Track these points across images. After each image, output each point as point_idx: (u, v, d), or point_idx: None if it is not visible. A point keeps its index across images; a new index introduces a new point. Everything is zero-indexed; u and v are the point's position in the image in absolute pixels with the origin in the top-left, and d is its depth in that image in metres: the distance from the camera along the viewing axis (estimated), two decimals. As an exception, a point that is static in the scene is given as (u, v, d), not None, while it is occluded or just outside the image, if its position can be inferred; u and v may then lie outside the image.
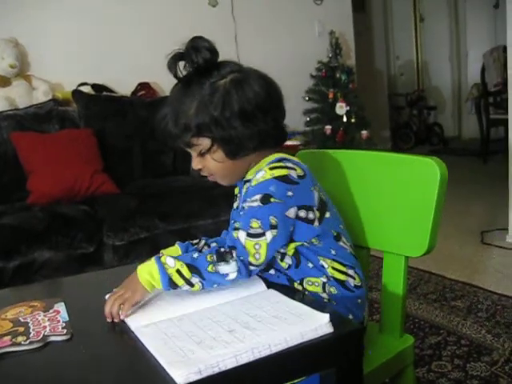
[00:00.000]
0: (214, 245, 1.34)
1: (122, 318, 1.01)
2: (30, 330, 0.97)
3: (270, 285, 1.12)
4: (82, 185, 2.82)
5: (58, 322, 1.01)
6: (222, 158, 1.16)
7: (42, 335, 0.95)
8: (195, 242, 1.34)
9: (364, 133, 4.58)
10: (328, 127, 4.52)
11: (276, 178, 1.10)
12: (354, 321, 1.16)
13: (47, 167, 2.80)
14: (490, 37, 6.86)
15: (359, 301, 1.20)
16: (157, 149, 3.35)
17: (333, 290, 1.16)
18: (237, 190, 1.33)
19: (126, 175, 3.21)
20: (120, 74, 3.71)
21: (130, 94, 3.70)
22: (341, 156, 1.40)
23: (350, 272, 1.19)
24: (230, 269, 1.04)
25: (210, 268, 1.03)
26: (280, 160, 1.15)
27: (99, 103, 3.32)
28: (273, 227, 1.08)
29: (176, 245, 1.31)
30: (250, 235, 1.06)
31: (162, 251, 1.30)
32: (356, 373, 0.93)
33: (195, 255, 1.05)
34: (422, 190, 1.20)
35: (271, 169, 1.12)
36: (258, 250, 1.06)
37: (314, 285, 1.17)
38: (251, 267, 1.06)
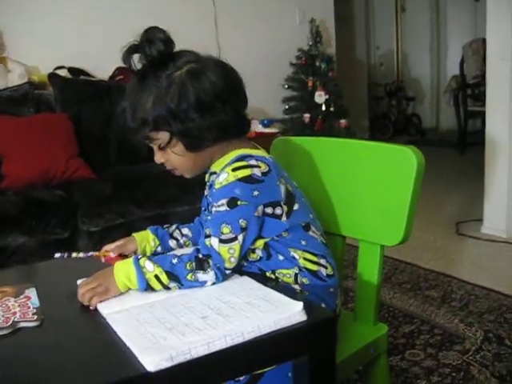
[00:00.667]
0: (186, 232, 1.33)
1: (91, 308, 1.00)
2: (0, 316, 0.96)
3: (242, 273, 1.12)
4: (57, 169, 2.78)
5: (29, 307, 1.00)
6: (183, 152, 1.14)
7: (11, 321, 0.94)
8: (166, 226, 1.33)
9: (342, 122, 4.59)
10: (307, 115, 4.52)
11: (240, 179, 1.08)
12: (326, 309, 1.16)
13: (22, 151, 2.75)
14: (470, 29, 6.90)
15: (331, 290, 1.19)
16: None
17: (305, 280, 1.16)
18: (206, 177, 1.31)
19: (102, 161, 3.17)
20: (98, 58, 3.65)
21: (107, 78, 3.65)
22: (316, 144, 1.39)
23: (322, 261, 1.18)
24: (208, 277, 1.04)
25: (189, 276, 1.03)
26: (242, 158, 1.11)
27: (76, 87, 3.27)
28: (243, 230, 1.07)
29: (147, 229, 1.31)
30: (222, 241, 1.06)
31: (133, 234, 1.29)
32: (329, 361, 0.93)
33: (174, 261, 1.04)
34: (399, 178, 1.20)
35: (234, 170, 1.09)
36: (232, 254, 1.06)
37: (285, 276, 1.16)
38: (227, 271, 1.07)
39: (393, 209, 1.21)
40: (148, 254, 1.28)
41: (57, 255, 1.23)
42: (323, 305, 1.17)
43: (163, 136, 1.13)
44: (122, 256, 1.24)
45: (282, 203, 1.14)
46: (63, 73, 3.41)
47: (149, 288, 1.03)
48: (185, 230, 1.34)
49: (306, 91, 4.58)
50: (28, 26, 3.46)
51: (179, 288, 1.04)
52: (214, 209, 1.09)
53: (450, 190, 4.39)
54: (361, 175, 1.29)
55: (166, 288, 1.03)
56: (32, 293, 1.07)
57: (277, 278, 1.16)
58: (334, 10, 5.07)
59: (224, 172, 1.10)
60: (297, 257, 1.16)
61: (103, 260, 1.22)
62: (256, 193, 1.08)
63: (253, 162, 1.11)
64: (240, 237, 1.07)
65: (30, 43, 3.47)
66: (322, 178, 1.37)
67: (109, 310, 0.97)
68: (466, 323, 2.15)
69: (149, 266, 1.03)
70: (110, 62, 3.66)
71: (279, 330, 0.86)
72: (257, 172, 1.10)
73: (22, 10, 3.44)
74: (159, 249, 1.30)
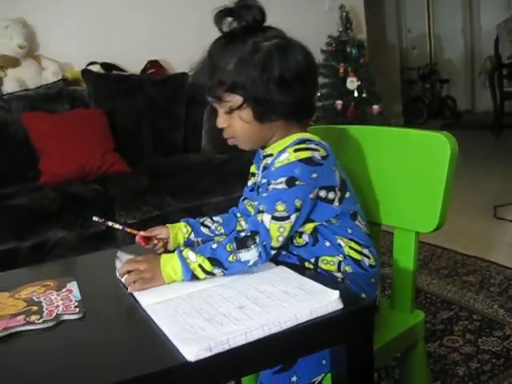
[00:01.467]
0: (217, 219, 1.36)
1: (128, 291, 1.03)
2: (44, 309, 0.98)
3: (279, 263, 1.12)
4: (93, 164, 2.83)
5: (71, 300, 1.02)
6: (250, 119, 1.14)
7: (55, 314, 0.96)
8: (201, 219, 1.35)
9: (375, 107, 4.55)
10: (339, 102, 4.49)
11: (300, 160, 1.09)
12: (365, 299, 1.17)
13: (58, 147, 2.81)
14: (503, 7, 6.73)
15: (372, 280, 1.20)
16: (167, 127, 3.35)
17: (348, 268, 1.16)
18: (253, 168, 1.33)
19: (137, 154, 3.22)
20: (129, 52, 3.70)
21: (139, 72, 3.69)
22: (351, 132, 1.39)
23: (365, 251, 1.18)
24: (250, 255, 1.05)
25: (230, 258, 1.04)
26: (303, 141, 1.13)
27: (109, 82, 3.32)
28: (297, 210, 1.08)
29: (181, 221, 1.34)
30: (275, 218, 1.06)
31: (167, 225, 1.32)
32: (366, 349, 0.93)
33: (214, 246, 1.06)
34: (433, 165, 1.18)
35: (295, 151, 1.10)
36: (281, 233, 1.07)
37: (329, 264, 1.16)
38: (272, 251, 1.07)
39: (427, 195, 1.20)
40: (181, 241, 1.31)
41: (95, 218, 1.31)
42: (363, 295, 1.16)
43: (235, 99, 1.12)
44: (149, 239, 1.30)
45: (336, 188, 1.15)
46: (96, 68, 3.46)
47: (194, 278, 1.04)
48: (216, 218, 1.37)
49: (338, 78, 4.54)
50: (60, 24, 3.52)
51: (224, 274, 1.05)
52: (271, 186, 1.10)
53: (487, 173, 4.31)
54: (394, 162, 1.28)
55: (211, 275, 1.04)
56: (73, 286, 1.10)
57: (318, 265, 1.17)
58: (364, -5, 5.01)
59: (285, 152, 1.12)
60: (343, 244, 1.16)
61: (134, 235, 1.29)
62: (314, 175, 1.10)
63: (313, 146, 1.12)
64: (293, 216, 1.07)
65: (62, 40, 3.53)
66: (355, 166, 1.36)
67: (148, 301, 0.98)
68: (505, 309, 2.12)
69: (191, 256, 1.05)
70: (142, 55, 3.72)
71: (316, 319, 0.87)
72: (317, 155, 1.11)
73: (53, 7, 3.50)
74: (192, 236, 1.33)
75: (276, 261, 1.13)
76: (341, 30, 4.60)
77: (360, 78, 4.49)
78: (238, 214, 1.37)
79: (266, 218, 1.07)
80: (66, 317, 0.96)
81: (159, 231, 1.30)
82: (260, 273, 1.07)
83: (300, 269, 1.11)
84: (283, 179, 1.08)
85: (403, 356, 1.35)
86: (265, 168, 1.21)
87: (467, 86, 7.63)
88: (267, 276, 1.05)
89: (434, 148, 1.18)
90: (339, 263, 1.16)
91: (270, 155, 1.20)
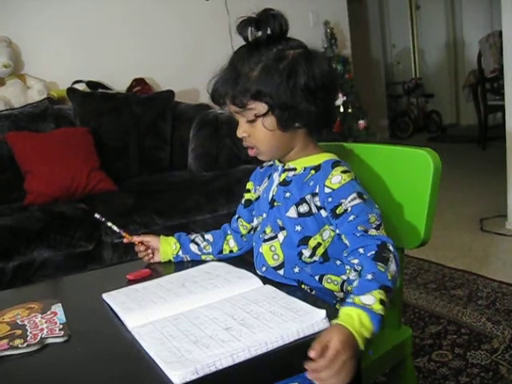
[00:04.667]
0: (208, 237, 1.38)
1: None
2: (28, 333, 0.98)
3: (266, 281, 1.12)
4: (79, 183, 2.82)
5: (56, 323, 1.02)
6: (273, 127, 1.13)
7: (39, 338, 0.96)
8: (193, 235, 1.39)
9: (361, 122, 4.57)
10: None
11: (354, 179, 1.12)
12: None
13: (44, 167, 2.79)
14: (486, 23, 6.82)
15: None
16: (153, 145, 3.35)
17: (350, 288, 1.15)
18: (249, 185, 1.34)
19: (123, 172, 3.21)
20: (115, 70, 3.70)
21: (125, 90, 3.69)
22: (334, 149, 1.39)
23: None
24: (395, 264, 1.00)
25: (389, 276, 0.97)
26: (339, 162, 1.15)
27: (94, 100, 3.31)
28: (381, 217, 1.09)
29: (174, 236, 1.40)
30: (376, 228, 1.06)
31: (161, 237, 1.39)
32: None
33: (369, 277, 0.96)
34: (416, 181, 1.19)
35: (344, 172, 1.12)
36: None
37: (332, 283, 1.15)
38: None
39: (411, 212, 1.21)
40: (170, 256, 1.38)
41: (96, 215, 1.39)
42: None
43: (260, 106, 1.11)
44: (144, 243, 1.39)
45: None
46: (81, 87, 3.46)
47: (381, 323, 0.91)
48: (207, 236, 1.38)
49: (323, 93, 4.56)
50: (44, 43, 3.52)
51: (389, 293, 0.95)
52: (346, 205, 1.08)
53: (473, 186, 4.34)
54: (377, 179, 1.29)
55: (384, 305, 0.93)
56: (58, 308, 1.09)
57: (321, 283, 1.15)
58: (348, 11, 5.06)
59: (336, 176, 1.11)
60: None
61: (131, 277, 1.27)
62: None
63: (348, 168, 1.15)
64: (382, 222, 1.08)
65: (47, 59, 3.53)
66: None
67: (134, 323, 0.98)
68: (493, 321, 2.12)
69: (367, 299, 0.92)
70: (127, 73, 3.72)
71: (303, 339, 0.87)
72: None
73: (37, 26, 3.50)
74: (180, 252, 1.38)
75: (264, 280, 1.13)
76: (326, 46, 4.63)
77: (345, 93, 4.52)
78: (229, 232, 1.38)
79: (374, 231, 1.05)
80: (50, 340, 0.95)
81: (151, 239, 1.38)
82: (247, 292, 1.07)
83: (286, 287, 1.11)
84: (354, 195, 1.09)
85: (392, 372, 1.35)
86: (286, 181, 1.20)
87: (452, 100, 7.70)
88: (253, 295, 1.05)
89: (416, 165, 1.19)
90: (343, 283, 1.15)
91: (293, 169, 1.20)
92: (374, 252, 1.00)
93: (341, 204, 1.09)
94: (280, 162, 1.24)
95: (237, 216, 1.36)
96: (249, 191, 1.34)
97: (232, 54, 1.15)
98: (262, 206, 1.25)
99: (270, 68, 1.09)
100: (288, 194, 1.17)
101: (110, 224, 1.38)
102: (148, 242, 1.39)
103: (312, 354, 0.81)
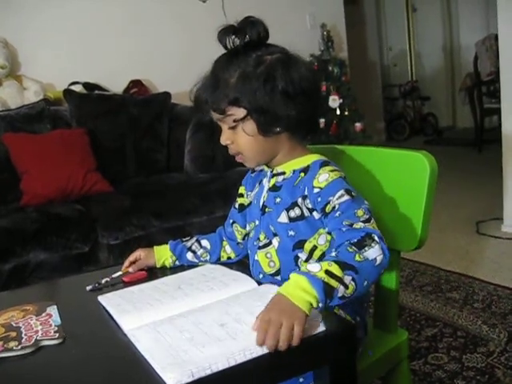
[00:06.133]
0: (205, 244, 1.35)
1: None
2: (22, 335, 0.97)
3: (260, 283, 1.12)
4: (75, 184, 2.81)
5: (50, 325, 1.01)
6: (254, 132, 1.12)
7: (34, 340, 0.95)
8: (186, 239, 1.35)
9: (358, 125, 4.57)
10: (321, 120, 4.51)
11: (341, 177, 1.11)
12: (359, 322, 1.17)
13: (40, 168, 2.79)
14: (482, 26, 6.83)
15: (365, 304, 1.20)
16: (150, 147, 3.35)
17: None
18: (241, 190, 1.33)
19: (120, 174, 3.21)
20: (111, 72, 3.70)
21: (122, 91, 3.69)
22: (330, 152, 1.39)
23: None
24: (376, 252, 0.98)
25: (357, 257, 0.95)
26: (327, 163, 1.14)
27: (91, 102, 3.31)
28: (370, 211, 1.07)
29: (168, 244, 1.34)
30: (364, 222, 1.04)
31: (154, 247, 1.34)
32: (350, 369, 0.93)
33: (333, 254, 0.97)
34: (412, 184, 1.19)
35: (331, 171, 1.12)
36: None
37: None
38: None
39: (407, 214, 1.21)
40: (166, 266, 1.33)
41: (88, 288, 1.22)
42: (358, 318, 1.17)
43: (238, 112, 1.11)
44: (142, 270, 1.29)
45: None
46: (78, 88, 3.46)
47: (327, 292, 0.89)
48: (204, 242, 1.35)
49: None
50: (41, 44, 3.52)
51: (355, 284, 0.93)
52: (334, 202, 1.08)
53: (469, 188, 4.35)
54: (373, 182, 1.29)
55: (343, 284, 0.91)
56: (53, 310, 1.08)
57: None
58: (345, 14, 5.07)
59: (322, 174, 1.11)
60: None
61: (126, 280, 1.25)
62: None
63: (337, 168, 1.14)
64: (372, 217, 1.05)
65: (44, 60, 3.53)
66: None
67: (129, 325, 0.97)
68: (489, 325, 2.13)
69: (314, 267, 0.92)
70: (124, 75, 3.72)
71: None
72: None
73: (34, 27, 3.49)
74: (177, 262, 1.34)
75: (258, 282, 1.13)
76: (322, 48, 4.64)
77: (342, 95, 4.52)
78: (224, 238, 1.37)
79: (361, 224, 1.03)
80: (45, 342, 0.94)
81: (146, 260, 1.32)
82: (242, 293, 1.06)
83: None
84: (342, 191, 1.08)
85: (388, 375, 1.34)
86: (276, 187, 1.20)
87: (448, 103, 7.71)
88: (249, 294, 1.04)
89: (413, 167, 1.19)
90: None
91: (282, 173, 1.20)
92: (355, 240, 0.98)
93: (329, 202, 1.09)
94: (268, 167, 1.24)
95: (231, 221, 1.35)
96: (242, 196, 1.33)
97: (213, 62, 1.16)
98: (254, 213, 1.25)
99: (248, 74, 1.10)
100: (278, 200, 1.18)
101: (104, 281, 1.24)
102: (144, 262, 1.32)
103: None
